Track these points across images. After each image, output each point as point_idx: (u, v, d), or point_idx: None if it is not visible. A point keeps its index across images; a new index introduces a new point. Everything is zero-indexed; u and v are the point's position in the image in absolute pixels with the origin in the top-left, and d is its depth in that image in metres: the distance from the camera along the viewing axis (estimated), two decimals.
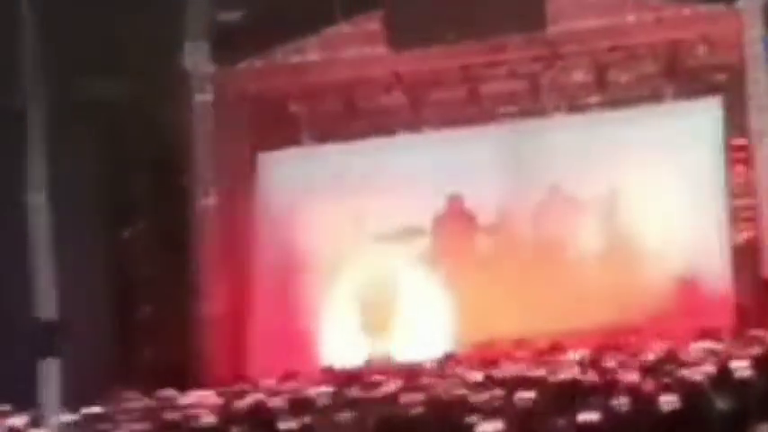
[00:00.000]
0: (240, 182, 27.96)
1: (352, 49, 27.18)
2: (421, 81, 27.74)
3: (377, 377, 22.10)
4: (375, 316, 26.32)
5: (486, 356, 23.68)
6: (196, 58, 27.19)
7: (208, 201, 27.25)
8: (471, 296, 25.79)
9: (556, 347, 23.89)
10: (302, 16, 26.58)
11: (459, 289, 26.02)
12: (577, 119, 27.42)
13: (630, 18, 26.97)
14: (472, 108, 27.69)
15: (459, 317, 25.81)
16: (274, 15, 26.63)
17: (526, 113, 27.72)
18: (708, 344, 22.19)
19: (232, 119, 28.05)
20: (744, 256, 26.22)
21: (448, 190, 26.78)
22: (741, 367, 17.42)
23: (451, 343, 25.54)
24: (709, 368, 17.98)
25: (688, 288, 25.42)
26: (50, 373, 18.83)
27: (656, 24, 26.84)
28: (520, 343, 24.77)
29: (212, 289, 26.56)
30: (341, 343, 26.20)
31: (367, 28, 27.07)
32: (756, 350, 20.18)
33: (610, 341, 23.85)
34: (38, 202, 19.80)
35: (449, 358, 24.56)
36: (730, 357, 19.23)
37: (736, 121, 26.94)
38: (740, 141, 27.00)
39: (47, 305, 19.07)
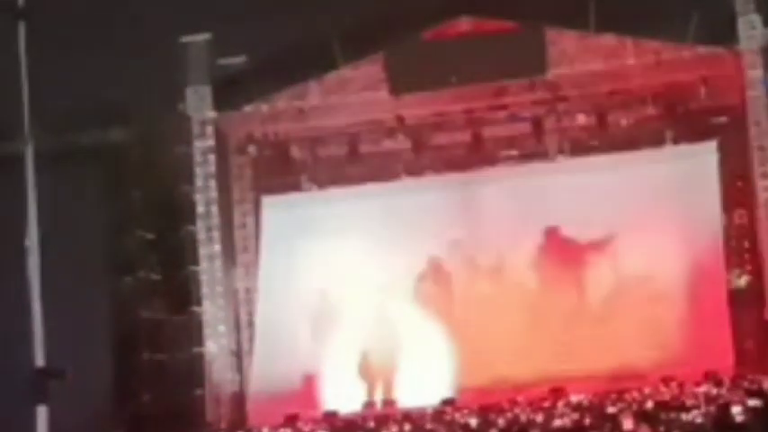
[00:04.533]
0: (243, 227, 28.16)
1: (354, 94, 27.37)
2: (423, 125, 27.92)
3: (376, 423, 22.05)
4: (375, 362, 26.23)
5: (486, 402, 23.56)
6: (197, 103, 27.36)
7: (212, 247, 27.29)
8: (471, 341, 25.72)
9: (557, 392, 23.81)
10: (303, 61, 26.73)
11: (459, 334, 25.96)
12: (578, 162, 27.43)
13: (630, 61, 27.08)
14: (475, 151, 27.80)
15: (459, 362, 25.72)
16: (275, 60, 26.79)
17: (528, 156, 27.82)
18: (708, 388, 22.13)
19: (234, 164, 28.23)
20: (744, 298, 26.17)
21: (449, 234, 26.76)
22: (739, 412, 17.33)
23: (451, 388, 25.45)
24: (709, 412, 17.90)
25: (689, 331, 25.28)
26: (42, 419, 18.77)
27: (656, 67, 26.90)
28: (520, 388, 24.67)
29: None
30: (342, 388, 26.11)
31: (368, 72, 27.30)
32: (755, 394, 20.08)
33: (612, 386, 23.76)
34: (32, 247, 19.74)
35: (448, 404, 24.49)
36: (730, 401, 19.14)
37: (735, 164, 26.96)
38: (740, 184, 26.99)
39: (40, 351, 19.02)
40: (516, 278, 26.37)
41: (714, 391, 21.95)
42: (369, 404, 25.88)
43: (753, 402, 18.64)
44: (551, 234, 26.68)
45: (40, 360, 18.90)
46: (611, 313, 25.83)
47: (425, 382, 25.58)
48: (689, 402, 20.45)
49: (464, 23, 27.18)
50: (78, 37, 24.52)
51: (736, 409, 17.66)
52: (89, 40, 24.89)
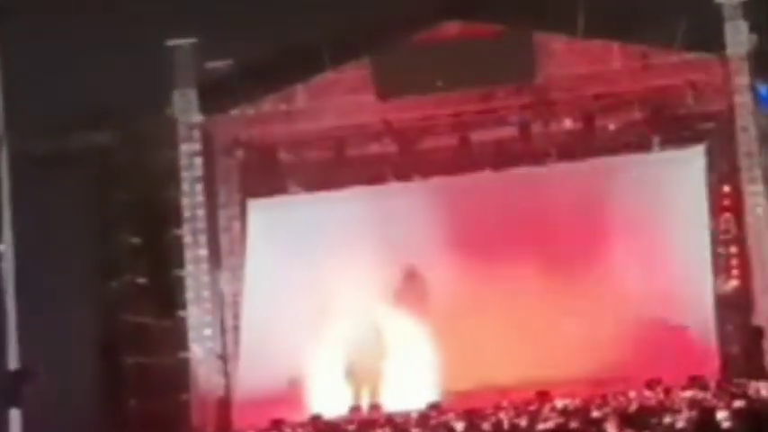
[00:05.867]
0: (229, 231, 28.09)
1: (341, 97, 27.31)
2: (411, 129, 27.89)
3: (362, 427, 21.96)
4: (362, 366, 26.17)
5: (471, 406, 23.50)
6: (184, 106, 27.29)
7: (198, 251, 27.22)
8: (457, 345, 25.68)
9: (542, 396, 23.77)
10: (290, 65, 26.69)
11: (444, 338, 25.91)
12: (566, 166, 27.39)
13: (618, 66, 27.08)
14: (462, 156, 27.74)
15: (445, 366, 25.68)
16: (262, 64, 26.75)
17: (516, 160, 27.78)
18: (694, 393, 22.09)
19: (222, 168, 28.18)
20: (731, 303, 26.18)
21: (436, 238, 26.70)
22: (724, 417, 17.30)
23: (437, 393, 25.42)
24: (692, 417, 17.85)
25: (675, 337, 25.26)
26: (16, 423, 18.72)
27: (644, 72, 26.92)
28: (506, 392, 24.63)
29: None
30: (328, 393, 26.04)
31: (355, 76, 27.24)
32: (740, 399, 20.06)
33: (598, 391, 23.72)
34: (7, 250, 19.68)
35: (434, 408, 24.45)
36: (714, 406, 19.10)
37: (723, 169, 26.97)
38: (727, 189, 27.00)
39: (13, 354, 18.96)
40: (502, 282, 26.28)
41: (699, 395, 21.91)
42: (355, 408, 25.82)
43: (737, 407, 18.68)
44: (537, 238, 26.63)
45: (13, 363, 18.89)
46: (597, 317, 25.78)
47: (411, 386, 25.54)
48: (673, 407, 20.44)
49: (452, 27, 27.15)
50: (64, 39, 24.46)
51: (720, 414, 17.65)
52: (76, 43, 24.83)
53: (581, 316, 25.86)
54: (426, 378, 25.61)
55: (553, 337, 25.67)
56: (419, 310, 26.44)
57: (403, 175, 27.97)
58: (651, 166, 27.02)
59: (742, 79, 26.62)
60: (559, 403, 22.75)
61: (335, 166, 27.97)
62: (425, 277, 26.77)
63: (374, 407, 25.63)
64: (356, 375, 26.12)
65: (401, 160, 27.96)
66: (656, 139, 27.53)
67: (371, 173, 27.86)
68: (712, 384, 23.08)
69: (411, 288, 26.77)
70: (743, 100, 26.64)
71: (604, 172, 26.96)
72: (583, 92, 27.31)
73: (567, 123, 27.93)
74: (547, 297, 26.12)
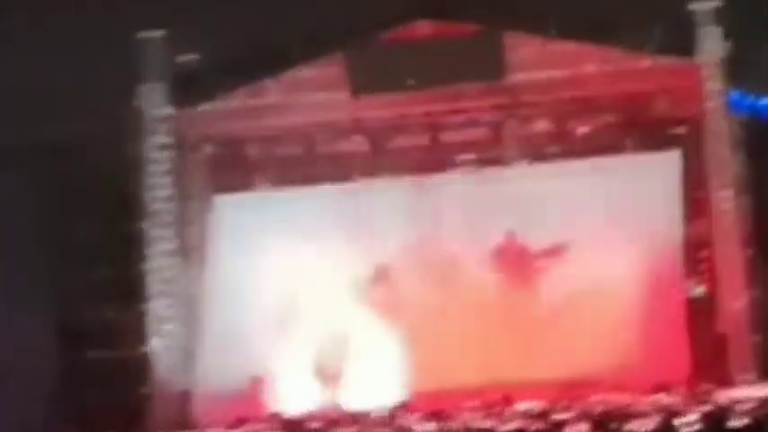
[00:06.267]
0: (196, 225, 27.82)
1: (312, 94, 27.03)
2: (382, 127, 27.57)
3: (326, 425, 21.82)
4: (328, 363, 25.93)
5: (437, 407, 23.34)
6: (152, 100, 27.04)
7: (164, 245, 26.95)
8: (425, 346, 25.47)
9: (507, 399, 23.64)
10: (261, 60, 26.48)
11: (413, 338, 25.65)
12: (537, 168, 27.22)
13: (591, 69, 26.96)
14: (433, 155, 27.50)
15: (411, 366, 25.46)
16: (233, 58, 26.53)
17: (487, 162, 27.56)
18: (660, 397, 22.05)
19: (189, 162, 27.91)
20: (700, 309, 26.07)
21: (405, 237, 26.48)
22: (688, 422, 17.28)
23: (403, 392, 25.19)
24: (656, 422, 17.82)
25: (644, 341, 25.15)
26: None
27: (617, 76, 26.81)
28: (472, 394, 24.47)
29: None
30: (293, 390, 25.81)
31: (327, 72, 26.93)
32: (706, 404, 20.06)
33: (563, 394, 23.61)
34: None
35: (399, 408, 24.27)
36: (680, 412, 19.09)
37: (694, 174, 26.89)
38: (698, 194, 26.94)
39: None
40: (470, 283, 26.11)
41: (667, 400, 21.86)
42: (320, 406, 25.56)
43: (702, 411, 18.67)
44: (507, 240, 26.47)
45: None
46: (566, 321, 25.61)
47: (378, 385, 25.30)
48: (640, 411, 20.39)
49: (425, 27, 26.98)
50: (31, 30, 24.25)
51: (686, 419, 17.65)
52: (44, 34, 24.63)
53: (549, 318, 25.76)
54: (393, 378, 25.39)
55: (522, 339, 25.51)
56: (388, 310, 26.26)
57: (373, 173, 27.64)
58: (624, 170, 26.88)
59: (714, 85, 26.61)
60: (525, 406, 22.68)
61: (305, 163, 27.71)
62: (395, 277, 26.57)
63: (339, 405, 25.40)
64: (323, 373, 25.88)
65: (372, 158, 27.70)
66: (629, 143, 27.40)
67: (342, 170, 27.55)
68: (680, 390, 23.01)
69: (381, 287, 26.56)
70: (715, 105, 26.62)
71: (576, 175, 26.79)
72: (556, 94, 27.14)
73: (540, 125, 27.76)
74: (516, 298, 25.99)
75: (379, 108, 27.02)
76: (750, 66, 27.03)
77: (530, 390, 24.02)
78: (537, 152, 27.57)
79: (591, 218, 26.15)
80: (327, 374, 25.81)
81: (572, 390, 23.83)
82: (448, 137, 27.63)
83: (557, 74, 26.86)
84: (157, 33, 26.43)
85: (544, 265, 26.23)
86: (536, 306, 26.03)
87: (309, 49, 26.36)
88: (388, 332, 25.89)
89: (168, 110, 27.19)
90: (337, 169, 27.56)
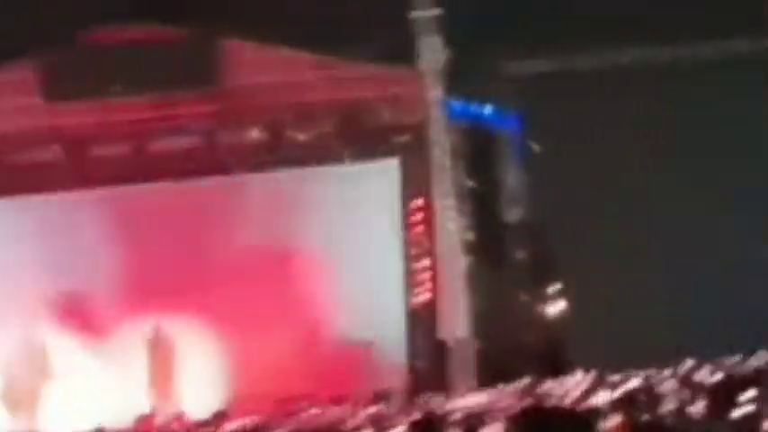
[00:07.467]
0: None
1: (5, 99, 25.20)
2: (82, 135, 25.97)
3: None
4: (20, 388, 24.29)
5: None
6: None
7: None
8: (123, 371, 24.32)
9: (219, 417, 22.59)
10: None
11: (113, 362, 24.52)
12: (252, 177, 26.28)
13: (309, 76, 26.29)
14: (139, 165, 26.15)
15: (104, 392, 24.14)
16: None
17: (199, 172, 26.41)
18: (378, 408, 21.43)
19: None
20: (420, 318, 25.73)
21: (105, 250, 25.01)
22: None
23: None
24: None
25: (363, 352, 24.57)
26: None
27: (336, 83, 26.22)
28: (178, 416, 23.40)
29: None
30: None
31: (22, 76, 25.19)
32: (424, 413, 19.48)
33: (280, 408, 22.77)
34: None
35: None
36: (396, 422, 18.49)
37: (415, 183, 26.56)
38: (419, 203, 26.62)
39: None
40: (170, 300, 24.90)
41: (384, 411, 21.22)
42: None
43: (413, 420, 18.07)
44: (219, 252, 25.43)
45: None
46: (279, 334, 24.82)
47: (71, 409, 23.88)
48: (355, 424, 19.77)
49: (132, 29, 25.72)
50: None
51: (401, 429, 17.06)
52: None
53: (267, 333, 24.91)
54: (86, 404, 23.98)
55: (237, 354, 24.59)
56: (85, 331, 24.87)
57: (72, 184, 26.04)
58: (342, 179, 26.27)
59: (435, 93, 26.42)
60: (236, 424, 21.74)
61: None
62: (90, 295, 25.11)
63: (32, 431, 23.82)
64: (13, 397, 24.23)
65: (71, 168, 26.01)
66: (348, 152, 26.81)
67: (37, 181, 25.81)
68: (397, 400, 22.46)
69: (75, 307, 25.08)
70: (436, 114, 26.46)
71: (293, 184, 25.99)
72: (272, 102, 26.32)
73: (255, 133, 26.86)
74: (229, 315, 25.00)
75: (79, 115, 25.45)
76: (471, 74, 27.04)
77: (243, 406, 23.08)
78: (252, 161, 26.65)
79: (309, 229, 25.39)
80: (21, 399, 24.16)
81: (287, 404, 23.01)
82: (157, 146, 26.33)
83: (273, 80, 26.08)
84: None
85: (257, 279, 25.28)
86: (246, 320, 25.05)
87: (2, 51, 24.67)
88: (87, 355, 24.47)
89: None
90: (34, 180, 25.83)
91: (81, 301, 25.01)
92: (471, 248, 26.24)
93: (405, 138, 27.00)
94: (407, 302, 25.76)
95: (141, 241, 25.06)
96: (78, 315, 24.90)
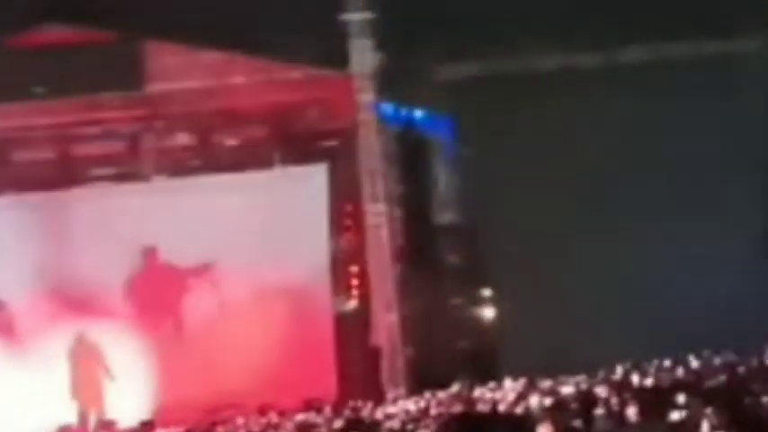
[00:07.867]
0: None
1: None
2: (3, 140, 25.20)
3: None
4: None
5: None
6: None
7: None
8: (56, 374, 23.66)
9: (146, 426, 22.14)
10: None
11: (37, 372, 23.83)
12: (178, 183, 25.74)
13: (237, 79, 25.81)
14: (62, 170, 25.51)
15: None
16: None
17: (123, 176, 25.87)
18: (308, 416, 21.10)
19: None
20: (351, 323, 25.31)
21: (32, 260, 24.33)
22: None
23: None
24: None
25: (292, 359, 24.11)
26: None
27: (265, 87, 25.75)
28: (106, 424, 22.87)
29: None
30: None
31: None
32: (354, 421, 19.21)
33: (208, 417, 22.32)
34: None
35: None
36: (328, 430, 18.24)
37: (345, 187, 26.15)
38: (349, 207, 26.24)
39: None
40: (108, 307, 24.34)
41: (314, 418, 20.86)
42: None
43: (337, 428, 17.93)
44: (148, 259, 24.86)
45: None
46: (210, 341, 24.32)
47: None
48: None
49: (54, 32, 25.09)
50: None
51: None
52: None
53: (191, 341, 24.45)
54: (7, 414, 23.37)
55: (163, 362, 24.08)
56: (6, 339, 24.27)
57: None
58: (270, 184, 25.78)
59: (366, 97, 26.14)
60: None
61: None
62: (10, 302, 24.45)
63: None
64: None
65: None
66: (277, 157, 26.35)
67: None
68: (328, 407, 22.07)
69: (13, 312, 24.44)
70: (367, 118, 26.14)
71: (221, 189, 25.44)
72: (200, 106, 25.79)
73: (182, 138, 26.31)
74: (157, 320, 24.50)
75: (0, 119, 24.77)
76: (403, 78, 26.76)
77: (172, 414, 22.61)
78: (178, 166, 26.08)
79: (237, 234, 24.86)
80: None
81: (216, 412, 22.56)
82: (81, 150, 25.68)
83: (201, 84, 25.56)
84: None
85: (188, 285, 24.78)
86: (179, 327, 24.56)
87: None
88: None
89: None
90: None
91: (1, 308, 24.38)
92: (402, 253, 25.91)
93: (335, 142, 26.65)
94: (336, 308, 25.32)
95: (65, 247, 24.43)
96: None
